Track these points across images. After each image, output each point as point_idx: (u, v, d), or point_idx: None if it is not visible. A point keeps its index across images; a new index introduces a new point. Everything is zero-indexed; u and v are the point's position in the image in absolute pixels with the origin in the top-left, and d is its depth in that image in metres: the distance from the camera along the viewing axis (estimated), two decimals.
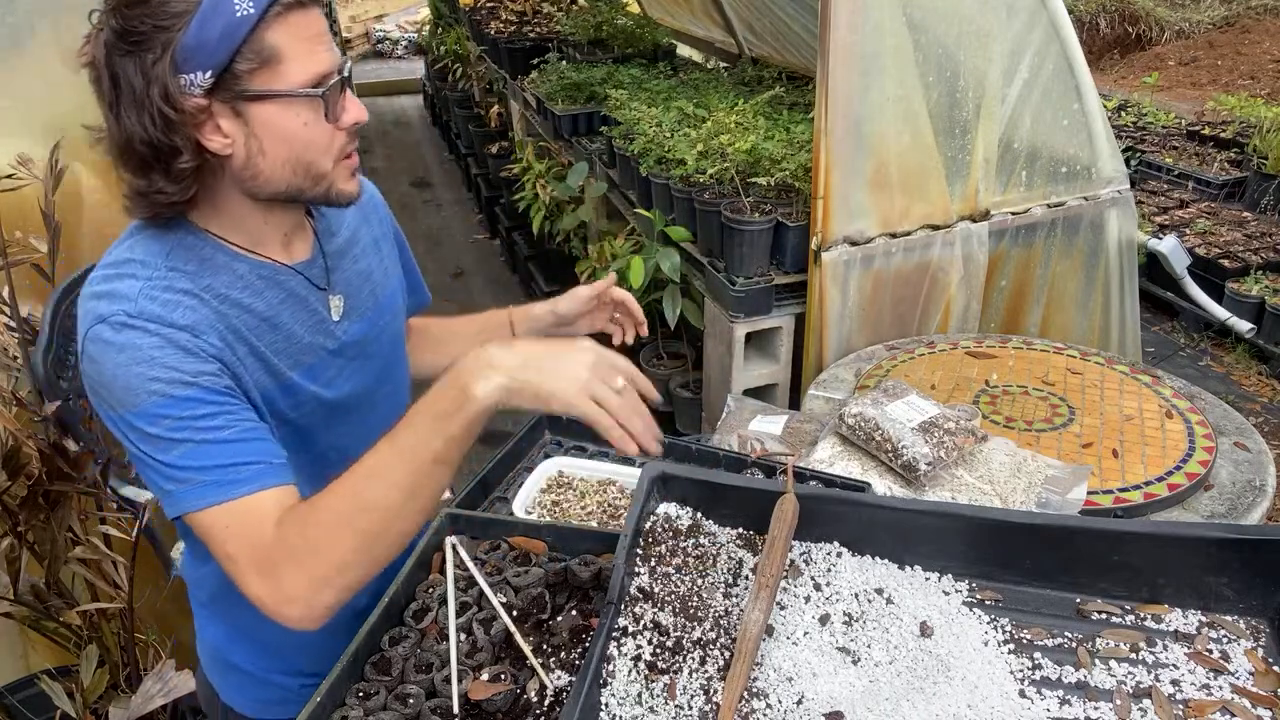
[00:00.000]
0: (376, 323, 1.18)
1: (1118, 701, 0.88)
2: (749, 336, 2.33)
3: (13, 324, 1.73)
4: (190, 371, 0.90)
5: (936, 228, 2.22)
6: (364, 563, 0.89)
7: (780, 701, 0.89)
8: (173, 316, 0.92)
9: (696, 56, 4.44)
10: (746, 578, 1.04)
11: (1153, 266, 4.17)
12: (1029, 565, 1.02)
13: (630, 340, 1.31)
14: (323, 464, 1.06)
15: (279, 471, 0.94)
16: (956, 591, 1.02)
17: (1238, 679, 0.89)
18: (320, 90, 0.93)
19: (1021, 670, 0.92)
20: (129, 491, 1.83)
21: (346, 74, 0.98)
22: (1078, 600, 1.00)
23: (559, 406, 0.85)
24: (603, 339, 1.04)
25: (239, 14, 0.86)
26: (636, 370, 0.91)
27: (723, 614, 0.99)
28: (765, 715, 0.88)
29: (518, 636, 1.02)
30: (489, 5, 5.17)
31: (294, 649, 1.20)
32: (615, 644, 0.94)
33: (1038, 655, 0.94)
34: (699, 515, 1.11)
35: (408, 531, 0.90)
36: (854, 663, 0.94)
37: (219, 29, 0.86)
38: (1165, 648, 0.94)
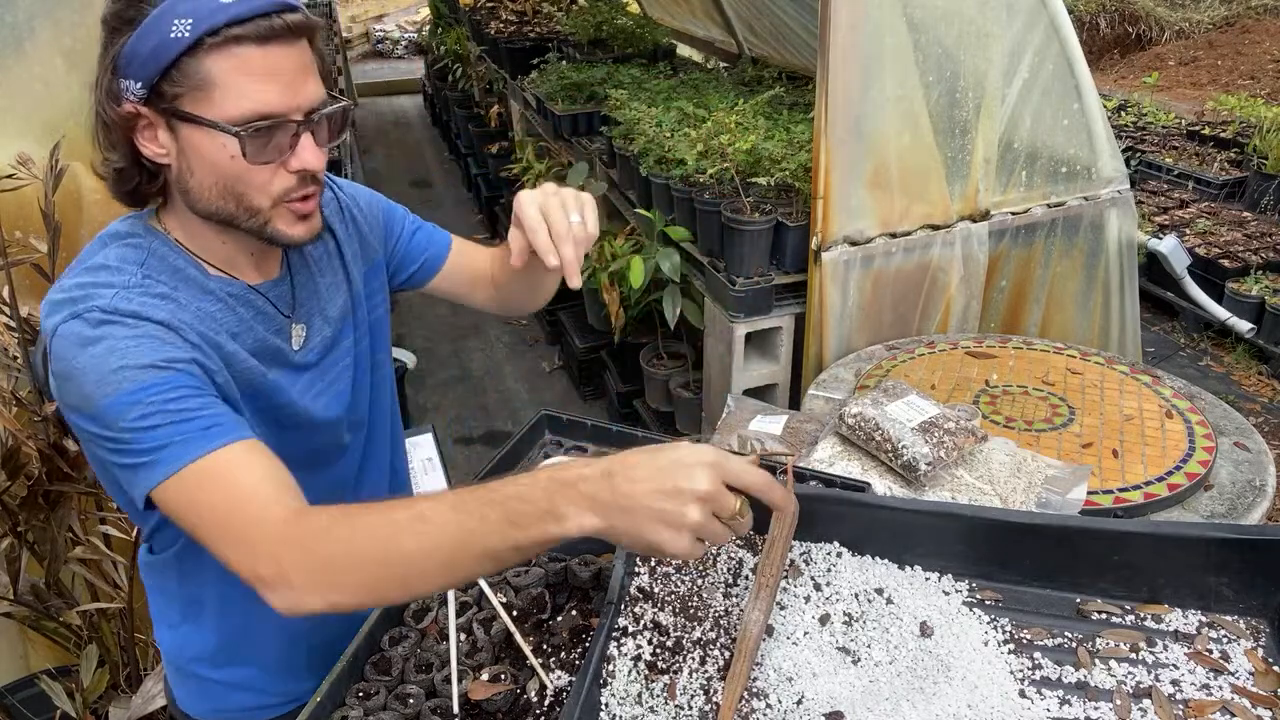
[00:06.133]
0: (342, 351, 1.15)
1: (1118, 701, 0.88)
2: (749, 336, 2.33)
3: (13, 324, 1.73)
4: (163, 358, 0.88)
5: (936, 228, 2.22)
6: (364, 599, 0.83)
7: (780, 701, 0.89)
8: (149, 314, 0.91)
9: (696, 56, 4.44)
10: (746, 578, 1.04)
11: (1153, 266, 4.17)
12: (1029, 565, 1.02)
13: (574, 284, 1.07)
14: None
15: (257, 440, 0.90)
16: (956, 591, 1.02)
17: (1238, 679, 0.89)
18: (238, 129, 0.89)
19: (1021, 670, 0.92)
20: None
21: (316, 119, 0.94)
22: (1078, 600, 1.00)
23: (665, 555, 0.78)
24: None
25: (173, 35, 0.86)
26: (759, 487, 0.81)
27: (723, 614, 0.99)
28: (765, 715, 0.88)
29: (518, 636, 1.02)
30: (489, 5, 5.17)
31: (269, 662, 1.17)
32: (615, 644, 0.94)
33: (1038, 655, 0.94)
34: None
35: (423, 594, 0.85)
36: (854, 663, 0.94)
37: (151, 45, 0.87)
38: (1165, 648, 0.94)
